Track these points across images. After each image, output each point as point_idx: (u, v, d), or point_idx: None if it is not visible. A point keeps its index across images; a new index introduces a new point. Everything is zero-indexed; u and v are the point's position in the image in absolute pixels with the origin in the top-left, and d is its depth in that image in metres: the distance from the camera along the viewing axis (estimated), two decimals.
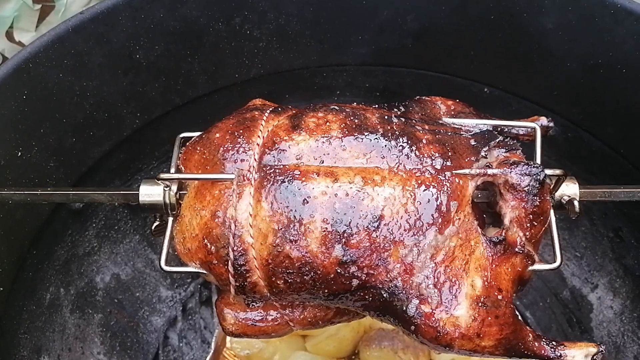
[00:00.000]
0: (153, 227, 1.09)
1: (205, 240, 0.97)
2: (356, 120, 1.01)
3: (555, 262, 1.03)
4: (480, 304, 0.94)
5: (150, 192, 1.12)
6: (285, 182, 0.94)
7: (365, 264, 0.92)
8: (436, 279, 0.93)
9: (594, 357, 1.00)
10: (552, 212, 1.03)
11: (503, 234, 0.98)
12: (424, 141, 0.99)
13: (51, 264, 1.65)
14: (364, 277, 0.93)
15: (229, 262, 0.95)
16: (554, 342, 1.02)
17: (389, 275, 0.93)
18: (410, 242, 0.93)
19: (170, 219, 1.07)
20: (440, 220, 0.94)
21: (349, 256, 0.92)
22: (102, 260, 1.86)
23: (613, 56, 1.55)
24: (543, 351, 1.00)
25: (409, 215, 0.93)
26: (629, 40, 1.51)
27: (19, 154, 1.43)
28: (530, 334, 1.02)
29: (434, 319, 0.92)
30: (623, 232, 1.80)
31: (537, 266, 1.02)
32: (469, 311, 0.93)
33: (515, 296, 1.04)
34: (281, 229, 0.93)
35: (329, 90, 1.95)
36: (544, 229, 1.01)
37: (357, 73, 1.92)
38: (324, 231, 0.92)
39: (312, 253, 0.92)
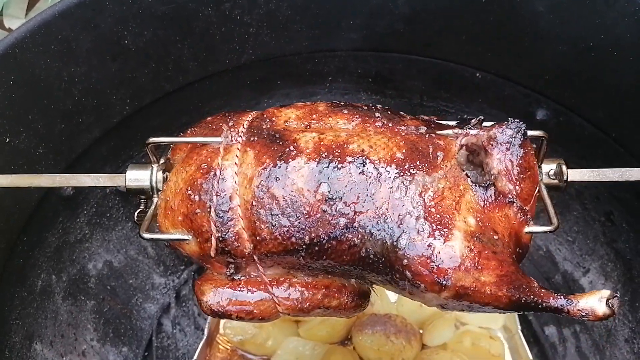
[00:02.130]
0: (137, 213, 1.09)
1: (189, 191, 0.97)
2: (342, 102, 1.08)
3: (551, 224, 1.00)
4: (475, 238, 0.91)
5: (137, 176, 1.12)
6: (272, 134, 0.99)
7: (352, 200, 0.92)
8: (427, 214, 0.91)
9: (610, 301, 0.90)
10: (542, 182, 1.04)
11: (492, 180, 0.97)
12: (408, 118, 1.05)
13: (42, 250, 1.64)
14: (351, 215, 0.91)
15: (212, 209, 0.94)
16: (562, 294, 0.95)
17: (377, 212, 0.91)
18: (398, 181, 0.93)
19: (155, 199, 1.07)
20: (426, 165, 0.95)
21: (335, 192, 0.92)
22: (94, 247, 1.85)
23: (604, 39, 1.54)
24: (552, 299, 0.91)
25: (394, 160, 0.94)
26: (621, 22, 1.50)
27: (7, 140, 1.42)
28: (535, 283, 0.95)
29: (427, 250, 0.89)
30: (614, 216, 1.80)
31: (534, 228, 1.00)
32: (464, 242, 0.90)
33: (515, 259, 0.98)
34: (266, 172, 0.94)
35: (321, 76, 1.94)
36: (535, 191, 1.01)
37: (349, 59, 1.91)
38: (310, 170, 0.93)
39: (298, 190, 0.92)
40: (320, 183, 0.93)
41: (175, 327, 1.99)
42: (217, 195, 0.94)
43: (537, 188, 1.02)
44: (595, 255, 1.86)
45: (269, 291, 0.99)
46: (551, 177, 1.08)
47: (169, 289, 2.07)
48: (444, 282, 0.89)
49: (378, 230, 0.91)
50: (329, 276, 1.02)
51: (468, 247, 0.90)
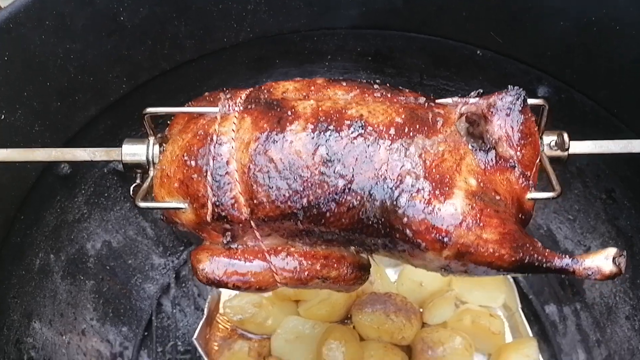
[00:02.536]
0: (132, 187, 1.08)
1: (185, 157, 0.96)
2: (340, 78, 1.07)
3: (554, 191, 0.98)
4: (477, 197, 0.89)
5: (133, 150, 1.12)
6: (270, 102, 0.98)
7: (350, 162, 0.91)
8: (427, 173, 0.90)
9: (617, 259, 0.88)
10: (543, 153, 1.02)
11: (493, 144, 0.96)
12: (407, 91, 1.03)
13: (40, 229, 1.64)
14: (349, 176, 0.90)
15: (208, 173, 0.93)
16: (567, 254, 0.93)
17: (376, 173, 0.90)
18: (397, 144, 0.92)
19: (152, 172, 1.06)
20: (426, 129, 0.94)
21: (333, 154, 0.91)
22: (92, 227, 1.84)
23: (607, 13, 1.52)
24: (557, 258, 0.89)
25: (394, 124, 0.93)
26: None
27: (2, 117, 1.41)
28: (539, 243, 0.92)
29: (427, 208, 0.87)
30: (616, 193, 1.79)
31: (537, 194, 0.98)
32: (465, 200, 0.88)
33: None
34: (264, 135, 0.93)
35: (320, 54, 1.92)
36: (537, 159, 0.99)
37: (348, 37, 1.89)
38: (309, 133, 0.92)
39: (296, 153, 0.91)
40: (318, 146, 0.92)
41: (175, 307, 1.99)
42: (213, 160, 0.93)
43: (539, 156, 1.00)
44: (597, 233, 1.85)
45: (267, 259, 0.98)
46: (553, 148, 1.07)
47: (168, 269, 2.07)
48: (445, 240, 0.87)
49: (377, 190, 0.90)
50: (328, 246, 1.00)
51: (469, 204, 0.88)
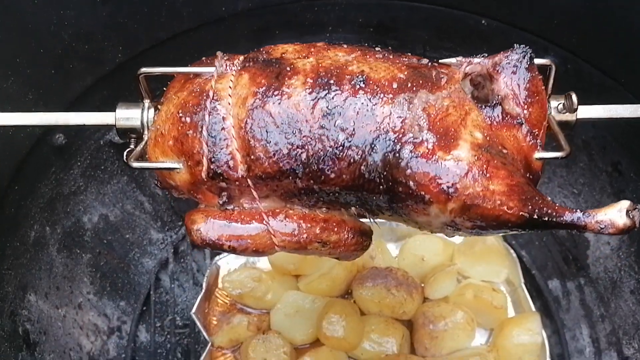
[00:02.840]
0: (126, 152, 1.04)
1: (180, 113, 0.93)
2: (341, 42, 1.03)
3: (563, 150, 0.94)
4: (483, 149, 0.86)
5: (127, 115, 1.08)
6: (269, 60, 0.94)
7: (352, 115, 0.87)
8: (431, 126, 0.86)
9: (630, 212, 0.84)
10: (550, 116, 0.99)
11: (499, 100, 0.92)
12: (409, 54, 0.99)
13: (35, 201, 1.61)
14: (350, 129, 0.87)
15: (204, 128, 0.90)
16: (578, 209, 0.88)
17: (378, 126, 0.87)
18: (400, 97, 0.88)
19: (146, 136, 1.02)
20: (429, 84, 0.91)
21: (334, 108, 0.87)
22: (89, 200, 1.82)
23: None
24: (568, 212, 0.84)
25: (396, 79, 0.90)
26: None
27: None
28: (549, 198, 0.88)
29: (431, 158, 0.84)
30: (622, 165, 1.75)
31: (545, 154, 0.94)
32: (471, 151, 0.85)
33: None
34: (262, 90, 0.90)
35: (321, 26, 1.88)
36: (545, 119, 0.96)
37: (350, 7, 1.84)
38: (308, 87, 0.89)
39: (295, 106, 0.88)
40: (318, 99, 0.88)
41: (173, 282, 1.96)
42: (209, 115, 0.90)
43: (547, 117, 0.97)
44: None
45: (264, 221, 0.94)
46: (561, 112, 1.03)
47: (166, 244, 2.04)
48: (450, 191, 0.83)
49: (379, 143, 0.86)
50: (328, 209, 0.97)
51: (475, 155, 0.85)
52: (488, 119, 0.91)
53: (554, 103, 1.05)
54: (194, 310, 1.74)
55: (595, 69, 1.67)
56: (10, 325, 1.51)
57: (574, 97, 1.00)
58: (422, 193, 0.84)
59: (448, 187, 0.83)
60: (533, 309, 1.78)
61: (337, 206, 0.96)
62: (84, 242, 1.81)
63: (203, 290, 1.80)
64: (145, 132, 1.05)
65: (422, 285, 1.86)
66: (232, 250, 0.94)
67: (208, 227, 0.94)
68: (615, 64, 1.63)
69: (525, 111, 0.92)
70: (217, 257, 1.90)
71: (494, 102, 0.92)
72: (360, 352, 1.72)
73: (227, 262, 1.91)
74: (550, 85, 1.02)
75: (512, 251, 1.89)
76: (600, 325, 1.80)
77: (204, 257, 2.01)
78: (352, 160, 0.87)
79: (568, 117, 1.05)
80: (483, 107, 0.93)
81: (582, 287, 1.88)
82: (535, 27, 1.70)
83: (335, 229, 0.97)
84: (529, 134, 0.93)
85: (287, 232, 0.95)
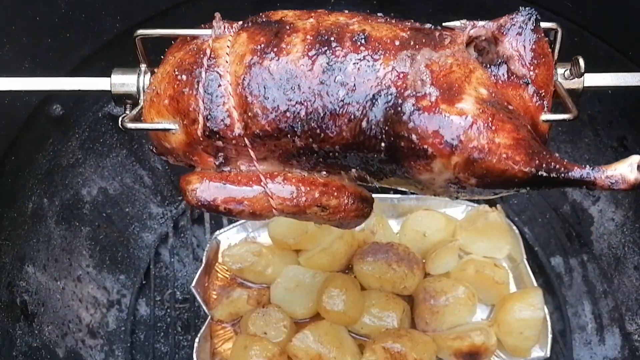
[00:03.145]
0: (121, 118, 1.02)
1: (177, 72, 0.91)
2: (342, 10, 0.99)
3: (570, 113, 0.91)
4: (488, 103, 0.83)
5: (123, 80, 1.06)
6: (268, 20, 0.92)
7: (352, 71, 0.85)
8: (434, 80, 0.84)
9: None
10: (557, 82, 0.96)
11: (504, 59, 0.90)
12: (412, 19, 0.97)
13: (32, 172, 1.59)
14: (351, 85, 0.84)
15: (200, 85, 0.88)
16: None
17: (379, 82, 0.84)
18: (403, 54, 0.85)
19: (142, 101, 1.00)
20: (432, 43, 0.88)
21: (334, 63, 0.85)
22: (87, 173, 1.80)
23: None
24: (577, 168, 0.80)
25: (398, 37, 0.87)
26: None
27: None
28: (557, 154, 0.85)
29: (434, 111, 0.81)
30: (628, 140, 1.72)
31: (551, 116, 0.91)
32: (476, 105, 0.82)
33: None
34: (260, 47, 0.87)
35: None
36: (552, 82, 0.93)
37: None
38: (308, 43, 0.86)
39: (294, 62, 0.86)
40: (318, 55, 0.86)
41: (173, 257, 1.95)
42: (206, 72, 0.88)
43: (553, 79, 0.94)
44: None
45: (262, 182, 0.92)
46: (567, 78, 1.01)
47: (166, 219, 2.03)
48: (454, 143, 0.80)
49: (380, 99, 0.84)
50: (328, 173, 0.94)
51: (480, 109, 0.82)
52: (493, 77, 0.89)
53: (560, 70, 1.02)
54: (193, 283, 1.73)
55: (602, 41, 1.64)
56: (7, 296, 1.50)
57: (581, 61, 0.97)
58: (425, 147, 0.82)
59: (452, 140, 0.81)
60: (535, 284, 1.76)
61: (337, 169, 0.93)
62: (82, 215, 1.79)
63: (203, 265, 1.79)
64: (141, 97, 1.03)
65: (424, 261, 1.84)
66: (228, 212, 0.92)
67: (204, 187, 0.92)
68: (623, 37, 1.60)
69: (531, 72, 0.89)
70: (217, 232, 1.89)
71: (499, 61, 0.89)
72: (360, 327, 1.71)
73: (227, 237, 1.90)
74: (556, 50, 0.99)
75: (514, 227, 1.87)
76: (602, 302, 1.79)
77: (204, 232, 2.00)
78: (352, 116, 0.85)
79: (575, 83, 1.02)
80: (488, 66, 0.90)
81: (585, 263, 1.86)
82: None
83: (335, 194, 0.95)
84: (535, 95, 0.90)
85: (286, 195, 0.92)
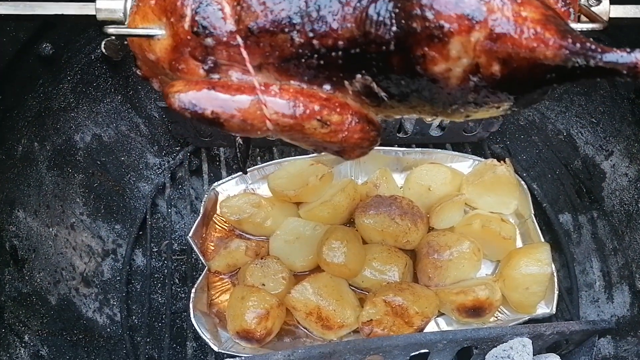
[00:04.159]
0: (104, 41, 0.94)
1: None
2: None
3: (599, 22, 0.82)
4: None
5: (109, 6, 0.98)
6: None
7: None
8: None
9: None
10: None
11: None
12: None
13: (21, 114, 1.53)
14: None
15: None
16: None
17: None
18: None
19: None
20: None
21: None
22: (80, 118, 1.73)
23: None
24: (615, 51, 0.67)
25: None
26: None
27: None
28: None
29: None
30: None
31: (579, 25, 0.82)
32: None
33: None
34: None
35: None
36: None
37: None
38: None
39: None
40: None
41: (170, 208, 1.90)
42: None
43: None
44: (621, 137, 1.72)
45: (255, 89, 0.82)
46: (590, 3, 0.92)
47: (163, 169, 1.97)
48: (474, 15, 0.70)
49: None
50: (330, 88, 0.84)
51: None
52: None
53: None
54: (190, 234, 1.68)
55: None
56: None
57: None
58: (442, 22, 0.71)
59: (472, 11, 0.70)
60: (542, 239, 1.70)
61: (340, 79, 0.82)
62: (76, 161, 1.73)
63: (200, 215, 1.73)
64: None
65: (428, 215, 1.78)
66: (215, 118, 0.82)
67: (189, 89, 0.82)
68: None
69: None
70: (215, 184, 1.82)
71: None
72: (360, 280, 1.66)
73: (226, 189, 1.84)
74: None
75: (523, 183, 1.80)
76: (612, 259, 1.73)
77: (202, 184, 1.94)
78: (357, 4, 0.75)
79: (598, 8, 0.94)
80: None
81: (594, 220, 1.80)
82: None
83: (338, 110, 0.84)
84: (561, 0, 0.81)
85: (281, 104, 0.82)
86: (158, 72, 0.89)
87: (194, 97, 0.80)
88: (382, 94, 0.82)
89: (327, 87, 0.83)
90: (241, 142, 1.08)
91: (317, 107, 0.82)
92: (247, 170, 1.82)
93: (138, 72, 0.93)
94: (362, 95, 0.84)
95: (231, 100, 0.81)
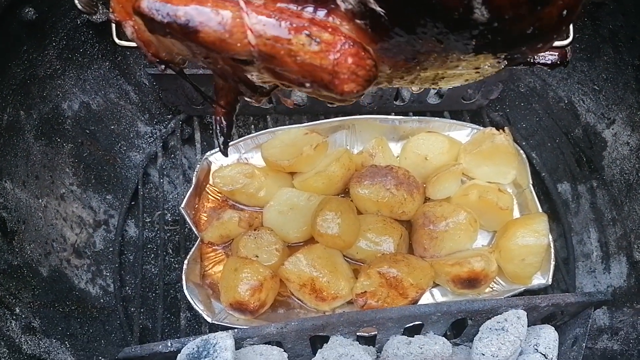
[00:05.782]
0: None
1: None
2: None
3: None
4: None
5: None
6: None
7: None
8: None
9: None
10: None
11: None
12: None
13: (6, 82, 1.48)
14: None
15: None
16: None
17: None
18: None
19: None
20: None
21: None
22: (67, 85, 1.68)
23: None
24: None
25: None
26: None
27: None
28: None
29: None
30: None
31: None
32: None
33: None
34: None
35: None
36: None
37: None
38: None
39: None
40: None
41: (162, 177, 1.87)
42: None
43: None
44: (624, 105, 1.67)
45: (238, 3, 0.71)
46: None
47: (155, 138, 1.93)
48: None
49: None
50: (322, 14, 0.73)
51: None
52: None
53: None
54: (183, 204, 1.66)
55: None
56: None
57: None
58: None
59: None
60: (540, 209, 1.68)
61: None
62: (64, 130, 1.69)
63: (193, 185, 1.70)
64: None
65: (424, 185, 1.75)
66: (186, 23, 0.72)
67: None
68: None
69: None
70: (208, 153, 1.79)
71: None
72: (355, 251, 1.64)
73: (219, 158, 1.80)
74: None
75: (521, 152, 1.76)
76: (610, 229, 1.71)
77: (195, 153, 1.90)
78: None
79: None
80: None
81: (594, 189, 1.77)
82: None
83: (330, 30, 0.74)
84: None
85: (266, 13, 0.72)
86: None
87: (159, 11, 0.71)
88: (379, 8, 0.71)
89: (320, 12, 0.75)
90: (223, 121, 1.03)
91: (306, 22, 0.73)
92: (240, 139, 1.78)
93: (112, 15, 0.86)
94: (356, 17, 0.75)
95: (209, 5, 0.72)
